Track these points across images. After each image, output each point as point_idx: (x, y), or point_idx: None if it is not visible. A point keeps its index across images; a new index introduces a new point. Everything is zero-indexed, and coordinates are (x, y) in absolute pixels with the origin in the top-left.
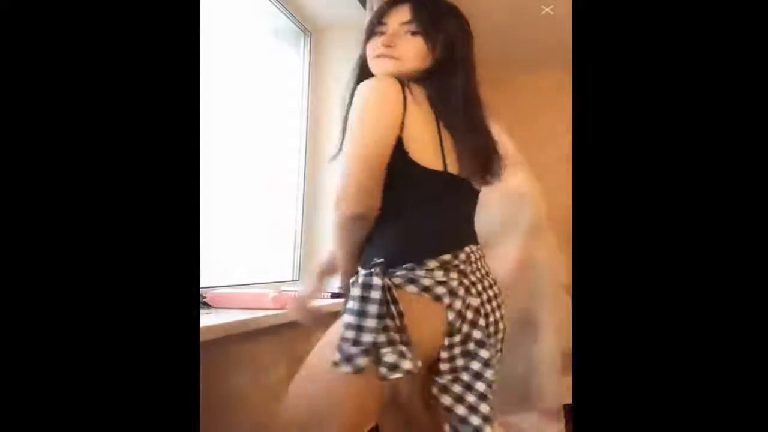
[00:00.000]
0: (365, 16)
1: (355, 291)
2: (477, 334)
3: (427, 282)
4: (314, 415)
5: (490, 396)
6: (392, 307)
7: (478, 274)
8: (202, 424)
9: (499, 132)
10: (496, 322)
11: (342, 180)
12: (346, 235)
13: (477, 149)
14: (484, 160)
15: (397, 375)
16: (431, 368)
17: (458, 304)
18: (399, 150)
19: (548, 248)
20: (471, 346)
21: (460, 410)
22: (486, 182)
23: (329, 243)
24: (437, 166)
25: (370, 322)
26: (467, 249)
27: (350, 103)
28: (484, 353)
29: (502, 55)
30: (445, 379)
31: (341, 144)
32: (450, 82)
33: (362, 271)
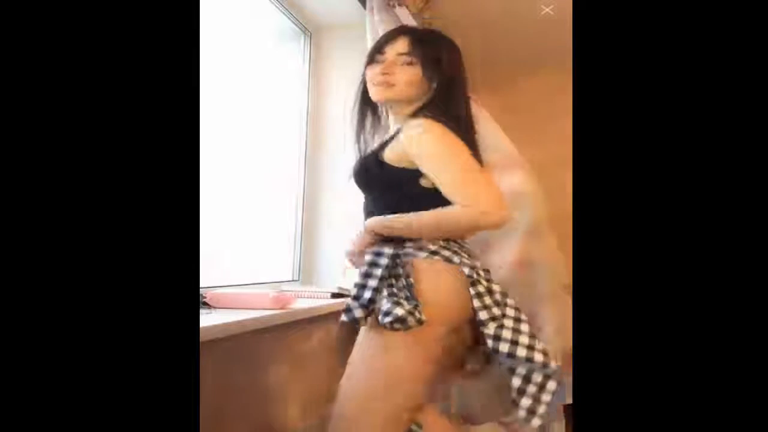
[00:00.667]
0: (365, 16)
1: (367, 257)
2: (496, 287)
3: (433, 247)
4: (374, 381)
5: (534, 334)
6: (399, 269)
7: (471, 257)
8: (202, 424)
9: (499, 132)
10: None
11: (487, 190)
12: (470, 229)
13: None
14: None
15: (389, 319)
16: (472, 323)
17: (467, 261)
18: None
19: (548, 248)
20: (497, 296)
21: (521, 351)
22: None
23: (329, 243)
24: None
25: (372, 282)
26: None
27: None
28: (510, 300)
29: (502, 56)
30: (491, 328)
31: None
32: (456, 110)
33: (382, 249)
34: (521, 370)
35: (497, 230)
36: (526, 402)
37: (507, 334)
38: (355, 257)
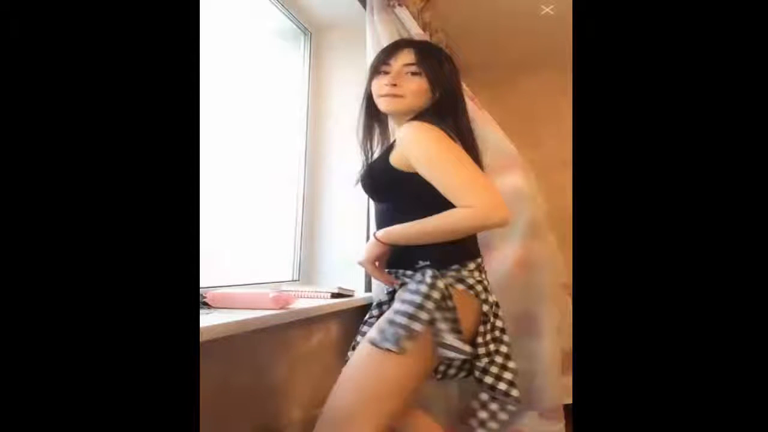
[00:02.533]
0: (365, 16)
1: (422, 288)
2: (499, 323)
3: (471, 281)
4: (360, 395)
5: (516, 372)
6: (449, 302)
7: (486, 275)
8: (202, 424)
9: (499, 132)
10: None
11: (487, 192)
12: (471, 231)
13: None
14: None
15: (457, 355)
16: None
17: (490, 298)
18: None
19: (548, 248)
20: (497, 333)
21: (502, 386)
22: None
23: (329, 243)
24: None
25: (425, 315)
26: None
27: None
28: (506, 338)
29: (502, 56)
30: (483, 362)
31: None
32: (457, 119)
33: (428, 272)
34: (485, 396)
35: (498, 229)
36: (482, 415)
37: (494, 369)
38: (368, 266)
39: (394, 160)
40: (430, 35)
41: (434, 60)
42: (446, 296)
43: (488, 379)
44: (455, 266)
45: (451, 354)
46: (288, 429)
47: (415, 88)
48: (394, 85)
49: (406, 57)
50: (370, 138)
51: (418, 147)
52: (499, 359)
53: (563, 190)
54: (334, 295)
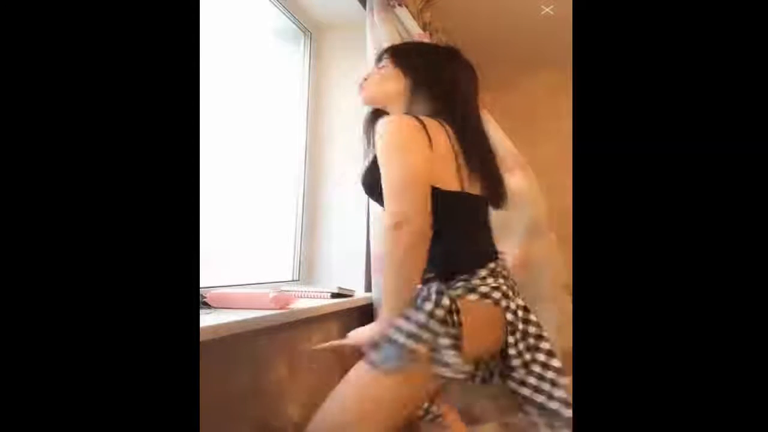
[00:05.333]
0: (365, 16)
1: (426, 306)
2: (532, 329)
3: (484, 289)
4: (346, 415)
5: (561, 381)
6: (454, 318)
7: (511, 279)
8: (202, 424)
9: (499, 132)
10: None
11: (396, 203)
12: (415, 254)
13: (488, 173)
14: (494, 182)
15: (455, 375)
16: (501, 368)
17: (513, 305)
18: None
19: (548, 248)
20: (531, 340)
21: (540, 398)
22: (497, 206)
23: (329, 243)
24: (457, 187)
25: (426, 335)
26: (500, 256)
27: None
28: (544, 344)
29: (503, 56)
30: (520, 374)
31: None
32: (454, 111)
33: (432, 287)
34: (534, 411)
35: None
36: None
37: (532, 380)
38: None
39: None
40: (430, 35)
41: (405, 51)
42: (452, 311)
43: (525, 391)
44: (464, 276)
45: (447, 373)
46: (288, 429)
47: (377, 78)
48: (365, 79)
49: (382, 61)
50: (369, 138)
51: (379, 139)
52: (536, 368)
53: (563, 190)
54: (334, 295)
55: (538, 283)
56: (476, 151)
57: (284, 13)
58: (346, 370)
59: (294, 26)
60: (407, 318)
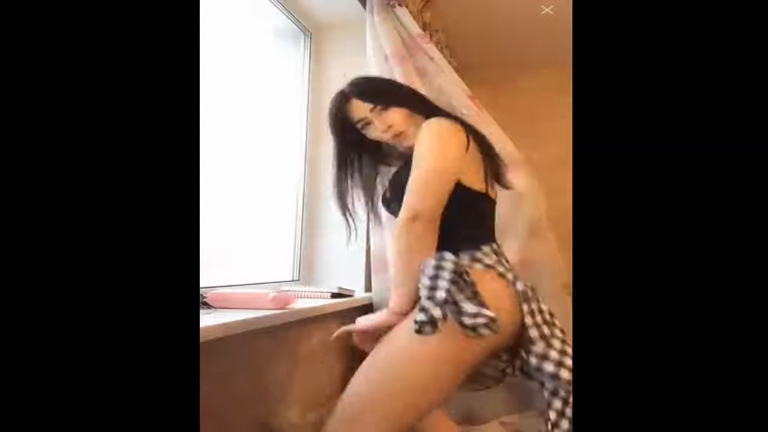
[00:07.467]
0: (365, 16)
1: (429, 271)
2: (544, 307)
3: (488, 261)
4: (391, 382)
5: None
6: (465, 276)
7: (514, 269)
8: (202, 424)
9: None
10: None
11: (419, 199)
12: (426, 242)
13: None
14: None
15: (482, 321)
16: (517, 341)
17: (519, 284)
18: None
19: (548, 248)
20: (546, 316)
21: (565, 374)
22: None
23: (329, 243)
24: (482, 189)
25: (443, 283)
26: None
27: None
28: (557, 322)
29: (502, 56)
30: (540, 347)
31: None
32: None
33: (437, 254)
34: (550, 385)
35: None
36: (551, 415)
37: (554, 354)
38: (363, 337)
39: None
40: (430, 35)
41: (371, 89)
42: (461, 269)
43: (549, 367)
44: (469, 249)
45: (478, 321)
46: (288, 429)
47: (398, 117)
48: (390, 126)
49: (359, 109)
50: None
51: (425, 134)
52: (557, 343)
53: (563, 190)
54: (334, 295)
55: (538, 283)
56: (489, 153)
57: (284, 13)
58: (353, 361)
59: (294, 26)
60: (433, 288)
